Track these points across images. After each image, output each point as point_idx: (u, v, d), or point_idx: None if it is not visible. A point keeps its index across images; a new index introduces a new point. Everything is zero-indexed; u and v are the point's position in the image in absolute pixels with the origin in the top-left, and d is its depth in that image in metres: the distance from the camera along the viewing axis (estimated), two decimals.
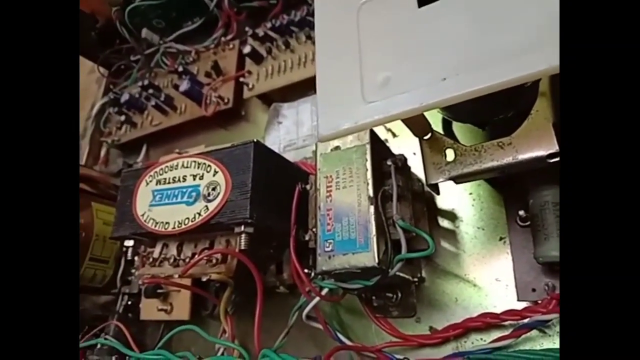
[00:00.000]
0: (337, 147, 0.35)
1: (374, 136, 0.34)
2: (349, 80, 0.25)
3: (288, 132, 0.48)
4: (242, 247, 0.32)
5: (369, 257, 0.30)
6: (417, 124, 0.28)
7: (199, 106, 0.52)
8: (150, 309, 0.46)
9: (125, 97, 0.56)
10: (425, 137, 0.29)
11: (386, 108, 0.23)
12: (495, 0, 0.23)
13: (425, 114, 0.32)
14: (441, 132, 0.30)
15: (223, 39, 0.54)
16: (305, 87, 0.47)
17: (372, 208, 0.31)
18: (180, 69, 0.53)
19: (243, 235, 0.32)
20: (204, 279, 0.33)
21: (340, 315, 0.39)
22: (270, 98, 0.50)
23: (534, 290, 0.30)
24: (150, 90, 0.55)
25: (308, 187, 0.36)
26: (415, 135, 0.30)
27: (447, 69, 0.22)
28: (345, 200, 0.33)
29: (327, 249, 0.32)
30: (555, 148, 0.25)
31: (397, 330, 0.36)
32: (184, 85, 0.51)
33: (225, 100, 0.51)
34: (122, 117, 0.58)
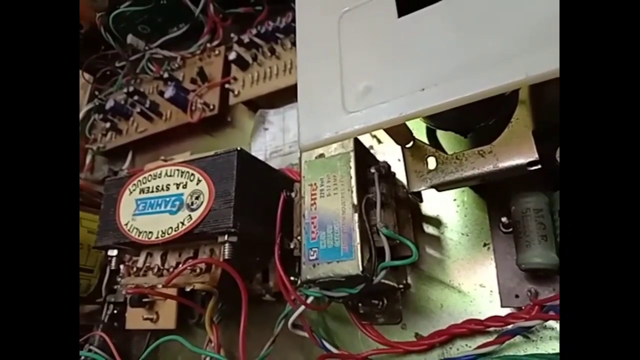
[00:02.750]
0: (322, 155, 0.35)
1: (358, 144, 0.34)
2: (330, 90, 0.25)
3: (274, 139, 0.48)
4: (226, 257, 0.32)
5: (353, 266, 0.30)
6: (398, 132, 0.28)
7: (184, 113, 0.52)
8: (135, 318, 0.45)
9: (110, 104, 0.56)
10: (408, 145, 0.29)
11: (366, 118, 0.23)
12: (474, 11, 0.23)
13: (408, 122, 0.32)
14: (425, 140, 0.30)
15: (209, 45, 0.54)
16: (291, 94, 0.47)
17: (356, 216, 0.31)
18: (166, 75, 0.53)
19: (227, 245, 0.32)
20: (188, 289, 0.33)
21: (326, 322, 0.39)
22: (256, 104, 0.50)
23: (517, 296, 0.30)
24: (136, 97, 0.55)
25: (293, 194, 0.36)
26: (398, 143, 0.30)
27: (426, 79, 0.22)
28: (329, 208, 0.32)
29: (311, 258, 0.32)
30: (534, 156, 0.25)
31: (383, 337, 0.35)
32: (169, 92, 0.50)
33: (211, 107, 0.50)
34: (107, 124, 0.57)
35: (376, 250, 0.31)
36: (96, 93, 0.63)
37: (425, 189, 0.29)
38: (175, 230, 0.33)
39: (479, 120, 0.28)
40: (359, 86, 0.24)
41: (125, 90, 0.56)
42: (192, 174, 0.34)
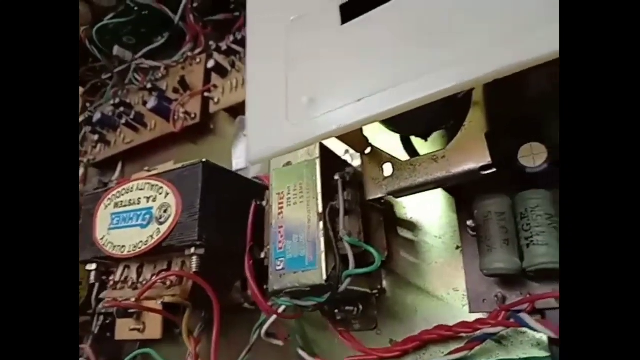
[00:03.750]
0: (289, 163, 0.34)
1: (324, 150, 0.33)
2: (276, 101, 0.25)
3: None
4: (194, 269, 0.32)
5: (317, 275, 0.30)
6: (353, 140, 0.28)
7: (168, 122, 0.52)
8: (123, 329, 0.46)
9: (97, 117, 0.56)
10: (366, 152, 0.29)
11: (308, 130, 0.23)
12: (416, 15, 0.22)
13: (375, 126, 0.32)
14: (380, 147, 0.30)
15: (190, 53, 0.54)
16: None
17: (321, 224, 0.31)
18: (149, 85, 0.54)
19: (194, 257, 0.32)
20: (159, 302, 0.33)
21: (305, 329, 0.39)
22: (237, 111, 0.50)
23: (484, 301, 0.29)
24: (122, 108, 0.55)
25: (264, 203, 0.36)
26: (356, 150, 0.29)
27: (364, 89, 0.21)
28: (295, 216, 0.32)
29: (278, 268, 0.32)
30: (487, 160, 0.24)
31: (359, 344, 0.35)
32: (151, 103, 0.51)
33: (193, 116, 0.51)
34: (96, 136, 0.58)
35: (341, 258, 0.30)
36: (87, 105, 0.64)
37: (382, 197, 0.28)
38: (145, 244, 0.33)
39: (437, 123, 0.28)
40: (303, 98, 0.24)
41: (112, 102, 0.57)
42: (161, 187, 0.35)
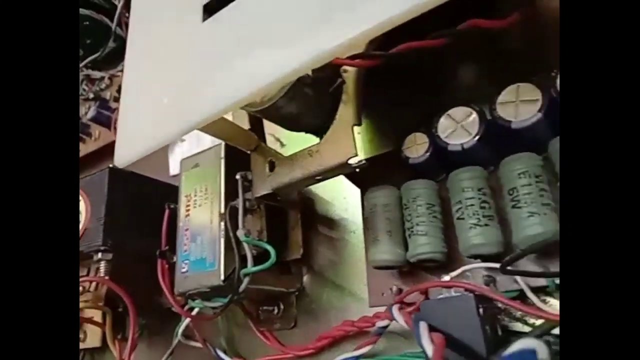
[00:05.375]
0: (197, 165, 0.34)
1: (230, 150, 0.33)
2: (142, 103, 0.25)
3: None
4: (102, 275, 0.32)
5: (216, 276, 0.30)
6: (237, 138, 0.28)
7: (110, 131, 0.52)
8: None
9: None
10: (253, 150, 0.29)
11: (162, 132, 0.23)
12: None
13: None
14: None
15: None
16: None
17: (222, 224, 0.31)
18: (91, 95, 0.54)
19: (102, 263, 0.32)
20: None
21: (231, 329, 0.39)
22: None
23: (383, 294, 0.29)
24: None
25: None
26: (244, 149, 0.29)
27: (197, 87, 0.22)
28: (200, 218, 0.32)
29: (182, 270, 0.32)
30: (352, 152, 0.24)
31: (278, 343, 0.35)
32: (90, 113, 0.51)
33: None
34: None
35: (241, 258, 0.30)
36: None
37: (267, 193, 0.28)
38: None
39: (323, 119, 0.27)
40: (163, 99, 0.24)
41: None
42: None
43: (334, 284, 0.35)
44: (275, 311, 0.36)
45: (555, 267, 0.24)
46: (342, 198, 0.37)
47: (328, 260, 0.36)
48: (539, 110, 0.23)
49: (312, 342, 0.34)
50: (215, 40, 0.23)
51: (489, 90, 0.25)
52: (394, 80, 0.37)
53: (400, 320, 0.22)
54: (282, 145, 0.42)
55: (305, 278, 0.37)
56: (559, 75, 0.23)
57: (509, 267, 0.22)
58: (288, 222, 0.36)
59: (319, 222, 0.37)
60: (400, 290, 0.29)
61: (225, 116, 0.29)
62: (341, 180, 0.35)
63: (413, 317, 0.20)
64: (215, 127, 0.26)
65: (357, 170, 0.25)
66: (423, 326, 0.18)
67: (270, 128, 0.36)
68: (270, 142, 0.42)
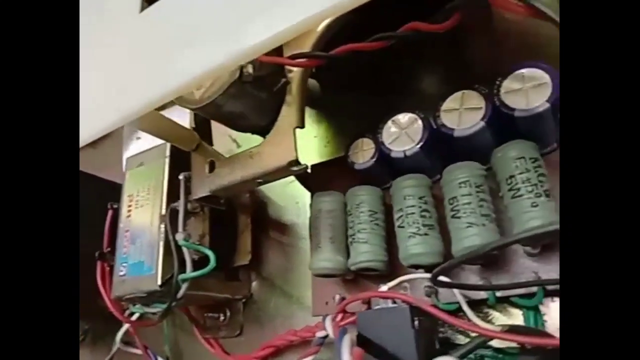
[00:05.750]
0: (142, 164, 0.33)
1: (176, 149, 0.32)
2: (92, 87, 0.23)
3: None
4: None
5: (153, 280, 0.28)
6: (177, 137, 0.27)
7: None
8: None
9: None
10: (194, 149, 0.28)
11: (94, 127, 0.21)
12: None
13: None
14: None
15: None
16: None
17: (162, 227, 0.29)
18: None
19: None
20: None
21: (177, 336, 0.37)
22: None
23: (327, 303, 0.28)
24: None
25: None
26: (185, 149, 0.28)
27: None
28: (141, 220, 0.31)
29: (120, 273, 0.30)
30: (293, 155, 0.23)
31: (223, 351, 0.34)
32: None
33: None
34: None
35: (180, 263, 0.29)
36: None
37: (206, 195, 0.27)
38: None
39: (269, 118, 0.27)
40: (102, 88, 0.22)
41: None
42: None
43: (282, 291, 0.34)
44: (221, 318, 0.35)
45: (496, 280, 0.23)
46: (294, 203, 0.36)
47: (277, 266, 0.35)
48: (482, 119, 0.22)
49: (256, 351, 0.32)
50: (149, 31, 0.22)
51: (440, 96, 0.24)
52: (352, 85, 0.36)
53: (330, 332, 0.21)
54: (238, 146, 0.41)
55: (254, 284, 0.35)
56: (503, 84, 0.22)
57: (442, 279, 0.21)
58: (237, 226, 0.35)
59: (270, 227, 0.36)
60: (343, 299, 0.28)
61: (166, 114, 0.28)
62: (295, 185, 0.34)
63: (340, 330, 0.19)
64: (152, 124, 0.25)
65: (299, 173, 0.24)
66: (346, 340, 0.18)
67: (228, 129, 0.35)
68: (227, 142, 0.41)
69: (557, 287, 0.22)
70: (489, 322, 0.25)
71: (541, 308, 0.24)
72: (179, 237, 0.28)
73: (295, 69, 0.25)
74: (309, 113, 0.39)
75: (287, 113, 0.24)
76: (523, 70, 0.22)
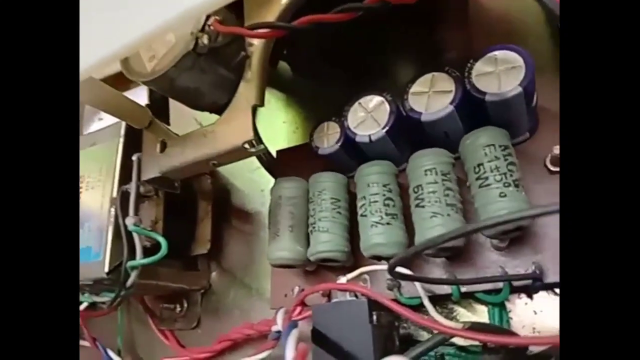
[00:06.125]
0: (94, 143, 0.31)
1: (132, 129, 0.30)
2: None
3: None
4: None
5: (99, 267, 0.26)
6: (128, 114, 0.25)
7: None
8: None
9: None
10: (147, 127, 0.26)
11: None
12: None
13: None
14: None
15: None
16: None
17: (112, 210, 0.27)
18: None
19: None
20: None
21: (131, 327, 0.35)
22: None
23: (286, 295, 0.27)
24: None
25: None
26: (136, 126, 0.26)
27: None
28: (91, 202, 0.29)
29: None
30: (249, 135, 0.21)
31: (178, 344, 0.32)
32: None
33: None
34: None
35: (130, 250, 0.27)
36: None
37: (157, 176, 0.25)
38: None
39: (214, 100, 0.25)
40: None
41: None
42: None
43: (242, 283, 0.33)
44: (178, 309, 0.33)
45: (461, 274, 0.22)
46: (259, 190, 0.34)
47: (238, 257, 0.33)
48: (451, 103, 0.21)
49: (212, 344, 0.31)
50: None
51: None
52: (323, 68, 0.35)
53: (280, 326, 0.20)
54: (202, 125, 0.39)
55: (213, 275, 0.34)
56: (475, 66, 0.21)
57: (401, 271, 0.20)
58: (197, 213, 0.33)
59: (232, 215, 0.35)
60: (302, 291, 0.26)
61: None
62: (260, 171, 0.32)
63: (289, 324, 0.17)
64: (96, 96, 0.23)
65: (260, 156, 0.22)
66: (292, 335, 0.16)
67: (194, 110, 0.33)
68: (192, 124, 0.39)
69: (524, 282, 0.21)
70: (453, 318, 0.24)
71: (507, 305, 0.23)
72: (129, 221, 0.26)
73: (255, 42, 0.23)
74: (277, 97, 0.37)
75: (245, 89, 0.23)
76: (496, 53, 0.20)
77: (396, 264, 0.16)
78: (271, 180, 0.33)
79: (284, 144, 0.35)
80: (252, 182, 0.34)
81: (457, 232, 0.14)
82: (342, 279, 0.22)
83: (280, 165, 0.30)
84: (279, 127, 0.35)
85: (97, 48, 0.17)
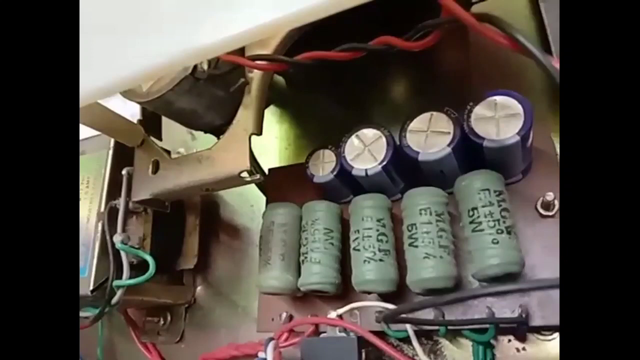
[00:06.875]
0: (83, 152, 0.30)
1: (119, 143, 0.29)
2: None
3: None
4: None
5: (84, 284, 0.26)
6: (119, 131, 0.24)
7: None
8: None
9: None
10: (139, 145, 0.25)
11: None
12: None
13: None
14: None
15: None
16: None
17: (99, 226, 0.27)
18: None
19: None
20: None
21: (112, 338, 0.35)
22: None
23: (273, 320, 0.27)
24: None
25: None
26: (128, 144, 0.26)
27: None
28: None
29: None
30: (246, 165, 0.21)
31: (161, 358, 0.32)
32: None
33: None
34: None
35: (117, 266, 0.27)
36: None
37: (148, 199, 0.25)
38: None
39: (212, 122, 0.24)
40: None
41: None
42: None
43: (228, 300, 0.32)
44: (161, 323, 0.33)
45: (449, 311, 0.22)
46: (249, 206, 0.34)
47: (225, 273, 0.33)
48: (449, 144, 0.21)
49: None
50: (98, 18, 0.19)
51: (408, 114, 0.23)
52: (320, 86, 0.35)
53: (269, 357, 0.20)
54: (194, 138, 0.39)
55: (199, 290, 0.33)
56: (474, 110, 0.21)
57: (392, 312, 0.20)
58: (185, 227, 0.33)
59: (221, 230, 0.34)
60: (291, 318, 0.26)
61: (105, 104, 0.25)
62: (250, 187, 0.32)
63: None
64: (91, 116, 0.22)
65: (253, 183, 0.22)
66: None
67: None
68: (182, 133, 0.38)
69: (509, 325, 0.21)
70: (438, 350, 0.25)
71: (493, 342, 0.23)
72: (117, 239, 0.26)
73: (257, 70, 0.23)
74: (271, 111, 0.37)
75: (243, 117, 0.22)
76: (496, 98, 0.21)
77: (393, 316, 0.16)
78: (261, 197, 0.33)
79: (274, 160, 0.34)
80: (242, 197, 0.34)
81: (455, 297, 0.14)
82: (333, 314, 0.22)
83: (272, 184, 0.30)
84: (271, 142, 0.35)
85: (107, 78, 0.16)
